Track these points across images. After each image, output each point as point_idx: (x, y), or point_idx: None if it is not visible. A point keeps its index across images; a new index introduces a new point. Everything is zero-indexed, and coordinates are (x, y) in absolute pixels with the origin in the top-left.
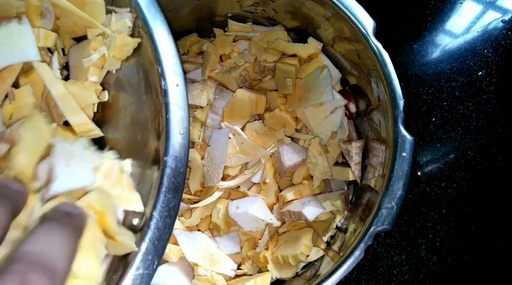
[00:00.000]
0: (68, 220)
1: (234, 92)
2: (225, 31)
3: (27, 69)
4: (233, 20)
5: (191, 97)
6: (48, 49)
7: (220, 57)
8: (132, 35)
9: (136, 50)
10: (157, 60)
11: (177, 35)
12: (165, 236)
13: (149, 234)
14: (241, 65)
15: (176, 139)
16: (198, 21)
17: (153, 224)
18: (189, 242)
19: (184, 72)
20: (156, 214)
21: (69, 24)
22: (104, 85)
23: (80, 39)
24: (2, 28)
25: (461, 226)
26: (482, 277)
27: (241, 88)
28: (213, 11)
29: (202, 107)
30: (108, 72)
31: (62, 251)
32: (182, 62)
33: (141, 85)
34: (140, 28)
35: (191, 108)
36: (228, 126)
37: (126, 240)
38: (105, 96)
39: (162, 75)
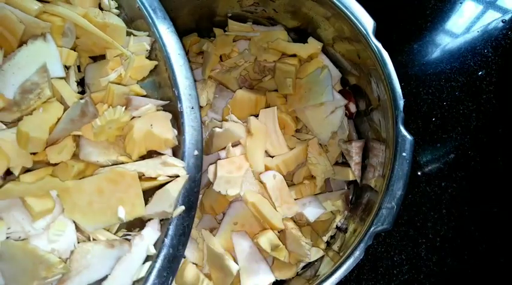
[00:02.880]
0: None
1: (234, 92)
2: (225, 31)
3: None
4: (233, 19)
5: None
6: (65, 66)
7: (220, 57)
8: (149, 57)
9: (152, 70)
10: (174, 84)
11: (178, 34)
12: (179, 254)
13: (164, 251)
14: (241, 65)
15: (191, 160)
16: (198, 21)
17: (168, 241)
18: None
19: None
20: (171, 232)
21: (89, 43)
22: None
23: (96, 57)
24: (29, 46)
25: (461, 226)
26: (482, 277)
27: (241, 88)
28: (213, 10)
29: (202, 107)
30: None
31: None
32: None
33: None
34: (157, 51)
35: None
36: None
37: None
38: None
39: (178, 98)
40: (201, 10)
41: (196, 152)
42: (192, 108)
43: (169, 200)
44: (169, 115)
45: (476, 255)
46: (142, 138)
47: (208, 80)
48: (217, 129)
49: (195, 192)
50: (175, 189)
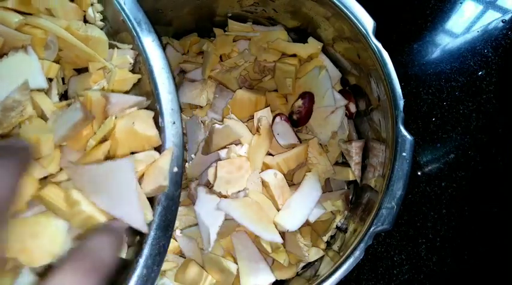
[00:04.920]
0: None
1: (234, 92)
2: (225, 31)
3: None
4: (233, 19)
5: (191, 96)
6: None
7: (220, 56)
8: (132, 71)
9: (135, 84)
10: (156, 99)
11: (177, 34)
12: (153, 274)
13: (138, 271)
14: (241, 65)
15: (170, 175)
16: (198, 21)
17: (142, 261)
18: None
19: (184, 72)
20: (146, 252)
21: (71, 56)
22: None
23: (80, 69)
24: (9, 57)
25: (461, 226)
26: (482, 277)
27: (241, 88)
28: (213, 10)
29: (202, 107)
30: None
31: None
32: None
33: None
34: (141, 64)
35: (190, 107)
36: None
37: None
38: None
39: (160, 113)
40: (201, 10)
41: (175, 169)
42: (174, 123)
43: (162, 174)
44: (151, 113)
45: (476, 255)
46: (125, 137)
47: (208, 80)
48: (217, 125)
49: (173, 210)
50: (165, 162)
